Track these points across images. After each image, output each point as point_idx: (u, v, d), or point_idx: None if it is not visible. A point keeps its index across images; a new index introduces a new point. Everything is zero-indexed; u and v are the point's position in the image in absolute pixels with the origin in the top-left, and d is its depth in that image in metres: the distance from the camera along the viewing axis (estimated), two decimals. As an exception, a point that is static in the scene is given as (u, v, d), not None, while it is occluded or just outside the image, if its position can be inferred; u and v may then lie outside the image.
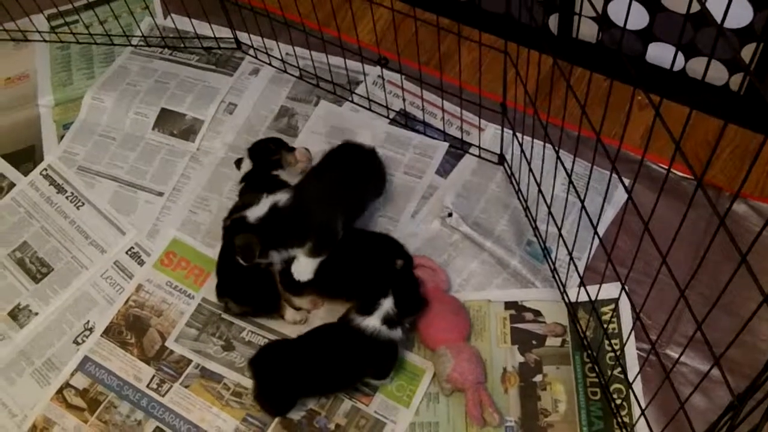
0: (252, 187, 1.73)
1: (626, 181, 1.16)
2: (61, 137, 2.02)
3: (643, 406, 1.31)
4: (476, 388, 1.46)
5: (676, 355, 1.46)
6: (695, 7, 1.54)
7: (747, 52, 1.67)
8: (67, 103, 2.09)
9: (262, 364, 1.53)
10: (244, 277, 1.61)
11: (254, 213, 1.52)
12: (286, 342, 1.58)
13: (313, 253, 1.54)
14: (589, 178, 1.24)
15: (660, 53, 1.80)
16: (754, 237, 0.77)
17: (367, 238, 1.66)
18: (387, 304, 1.46)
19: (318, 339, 1.53)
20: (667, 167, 1.62)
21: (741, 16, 1.61)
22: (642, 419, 1.30)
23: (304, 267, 1.56)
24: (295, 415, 1.52)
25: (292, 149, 1.78)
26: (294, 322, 1.62)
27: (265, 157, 1.75)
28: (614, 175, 1.08)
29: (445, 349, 1.49)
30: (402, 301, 1.47)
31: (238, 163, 1.79)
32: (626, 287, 1.21)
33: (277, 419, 1.52)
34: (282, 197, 1.53)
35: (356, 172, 1.66)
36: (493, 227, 1.70)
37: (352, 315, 1.48)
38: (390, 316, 1.46)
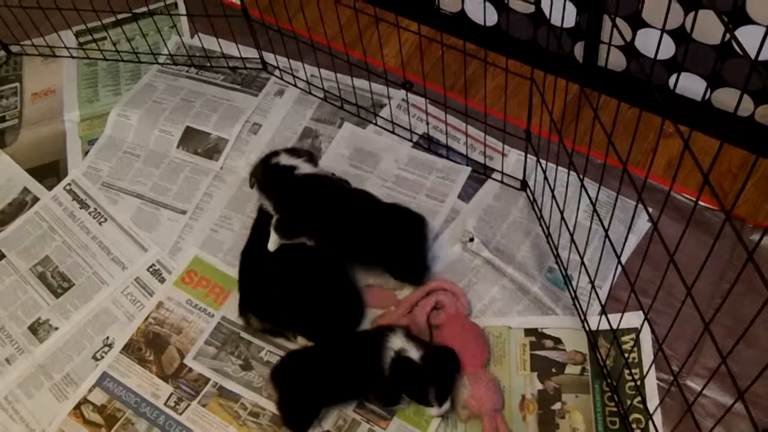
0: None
1: (650, 211, 1.15)
2: (86, 153, 2.03)
3: (664, 438, 1.30)
4: (493, 415, 1.46)
5: (696, 387, 1.45)
6: (724, 38, 1.54)
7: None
8: (92, 119, 2.11)
9: (284, 374, 1.54)
10: (266, 293, 1.63)
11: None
12: (308, 351, 1.58)
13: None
14: (614, 207, 1.23)
15: (686, 83, 1.80)
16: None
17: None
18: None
19: (338, 346, 1.55)
20: (691, 197, 1.63)
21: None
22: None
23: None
24: (312, 436, 1.52)
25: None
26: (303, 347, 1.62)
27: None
28: (645, 208, 1.08)
29: (463, 376, 1.48)
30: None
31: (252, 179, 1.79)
32: (648, 317, 1.21)
33: (293, 441, 1.52)
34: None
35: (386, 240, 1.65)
36: (514, 253, 1.69)
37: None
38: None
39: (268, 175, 1.68)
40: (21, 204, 1.95)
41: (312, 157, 1.71)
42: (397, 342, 1.45)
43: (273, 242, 1.65)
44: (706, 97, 1.79)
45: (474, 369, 1.49)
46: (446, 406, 1.45)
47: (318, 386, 1.51)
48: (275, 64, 2.08)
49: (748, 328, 0.85)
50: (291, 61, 2.02)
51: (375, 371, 1.45)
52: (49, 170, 2.02)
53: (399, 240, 1.62)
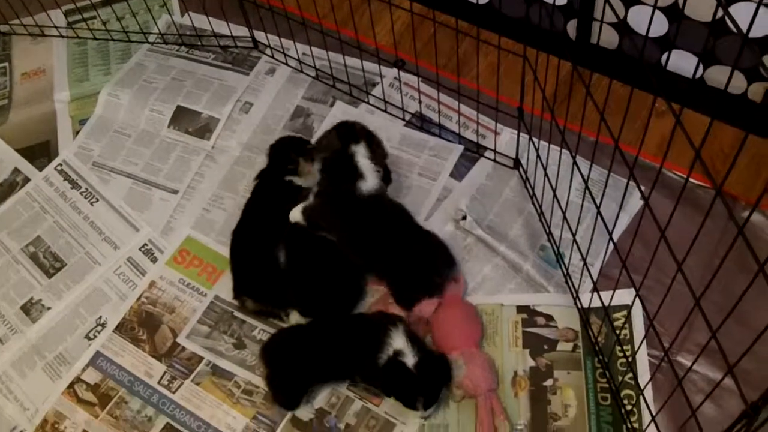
0: (264, 188, 1.74)
1: (643, 188, 1.16)
2: (77, 133, 2.03)
3: (654, 413, 1.31)
4: (488, 395, 1.46)
5: (687, 363, 1.46)
6: (716, 15, 1.54)
7: None
8: (83, 99, 2.10)
9: (274, 350, 1.54)
10: (260, 273, 1.63)
11: None
12: (300, 328, 1.58)
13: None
14: (606, 185, 1.24)
15: (678, 61, 1.80)
16: (762, 244, 0.76)
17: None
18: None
19: (330, 325, 1.55)
20: (682, 175, 1.63)
21: (764, 25, 1.61)
22: (652, 426, 1.30)
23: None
24: (305, 414, 1.52)
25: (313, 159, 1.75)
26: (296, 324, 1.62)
27: (282, 162, 1.75)
28: (637, 184, 1.08)
29: (458, 356, 1.48)
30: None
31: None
32: (640, 294, 1.21)
33: (287, 418, 1.52)
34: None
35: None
36: (506, 231, 1.70)
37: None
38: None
39: (335, 159, 1.63)
40: (12, 184, 1.94)
41: (385, 176, 1.68)
42: (398, 341, 1.44)
43: (295, 216, 1.64)
44: (699, 75, 1.79)
45: (468, 349, 1.50)
46: (431, 411, 1.46)
47: (308, 364, 1.51)
48: (266, 43, 2.07)
49: (737, 303, 0.86)
50: (282, 39, 2.01)
51: (369, 361, 1.46)
52: (40, 150, 2.01)
53: (416, 271, 1.59)
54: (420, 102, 1.87)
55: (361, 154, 1.61)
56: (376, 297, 1.64)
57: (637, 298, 1.21)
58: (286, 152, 1.75)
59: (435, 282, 1.57)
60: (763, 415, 0.85)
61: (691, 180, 1.66)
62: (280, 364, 1.53)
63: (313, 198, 1.62)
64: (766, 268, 0.75)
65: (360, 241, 1.60)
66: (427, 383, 1.44)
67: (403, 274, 1.58)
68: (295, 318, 1.61)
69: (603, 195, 1.26)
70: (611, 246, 1.27)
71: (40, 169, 1.96)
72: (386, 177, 1.67)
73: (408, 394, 1.44)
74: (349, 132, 1.65)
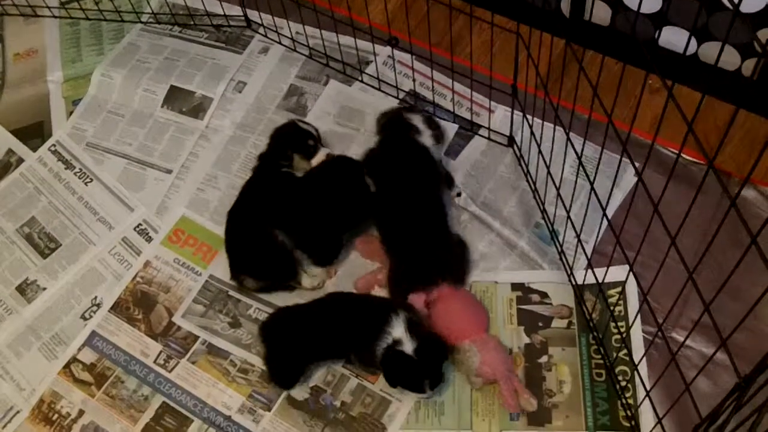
0: (263, 173, 1.73)
1: (636, 165, 1.16)
2: (70, 113, 2.02)
3: (648, 388, 1.31)
4: (508, 377, 1.45)
5: (682, 339, 1.46)
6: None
7: (762, 37, 1.66)
8: (76, 80, 2.09)
9: (272, 329, 1.54)
10: (259, 252, 1.62)
11: None
12: (299, 308, 1.58)
13: None
14: (599, 161, 1.24)
15: (672, 37, 1.80)
16: (763, 222, 0.77)
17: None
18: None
19: (330, 306, 1.55)
20: (676, 152, 1.63)
21: (757, 0, 1.60)
22: (646, 401, 1.30)
23: None
24: (301, 394, 1.53)
25: (312, 154, 1.74)
26: (312, 288, 1.63)
27: (279, 156, 1.73)
28: (623, 159, 1.08)
29: (470, 344, 1.46)
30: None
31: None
32: (634, 270, 1.21)
33: (283, 396, 1.53)
34: None
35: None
36: (501, 208, 1.70)
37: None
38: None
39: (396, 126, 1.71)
40: (6, 165, 1.94)
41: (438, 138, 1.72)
42: (397, 330, 1.43)
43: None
44: (693, 51, 1.79)
45: (479, 336, 1.49)
46: (437, 389, 1.46)
47: (306, 343, 1.52)
48: (259, 22, 2.06)
49: (729, 277, 0.86)
50: (275, 18, 2.00)
51: (367, 347, 1.46)
52: (34, 131, 2.00)
53: (428, 262, 1.58)
54: (414, 80, 1.87)
55: (417, 119, 1.69)
56: (362, 273, 1.65)
57: (631, 274, 1.21)
58: (284, 147, 1.73)
59: (435, 281, 1.54)
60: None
61: (686, 157, 1.66)
62: (278, 343, 1.53)
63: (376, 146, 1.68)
64: (758, 242, 0.75)
65: (397, 205, 1.62)
66: (429, 365, 1.44)
67: (415, 259, 1.58)
68: (308, 281, 1.62)
69: (596, 172, 1.26)
70: (605, 223, 1.28)
71: (34, 149, 1.95)
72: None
73: (414, 381, 1.45)
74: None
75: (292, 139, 1.73)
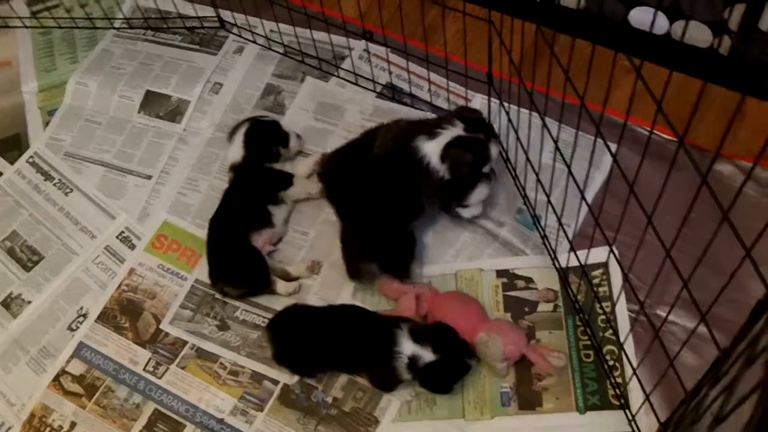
0: (242, 178, 1.74)
1: (614, 146, 1.16)
2: (47, 124, 2.01)
3: (635, 366, 1.32)
4: (531, 348, 1.47)
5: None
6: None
7: (737, 13, 1.66)
8: (51, 89, 2.08)
9: (280, 327, 1.55)
10: (234, 259, 1.63)
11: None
12: (308, 308, 1.58)
13: None
14: (575, 144, 1.24)
15: (644, 17, 1.80)
16: (738, 195, 0.77)
17: None
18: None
19: (341, 315, 1.54)
20: (654, 131, 1.63)
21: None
22: (634, 379, 1.31)
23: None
24: (292, 390, 1.53)
25: (287, 142, 1.77)
26: (288, 294, 1.63)
27: (261, 153, 1.74)
28: (600, 141, 1.08)
29: (486, 334, 1.45)
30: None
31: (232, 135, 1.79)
32: (615, 250, 1.22)
33: (275, 395, 1.53)
34: None
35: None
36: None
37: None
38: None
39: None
40: (-16, 179, 1.93)
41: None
42: (407, 346, 1.42)
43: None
44: (666, 30, 1.79)
45: (486, 324, 1.48)
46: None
47: (310, 345, 1.52)
48: (233, 22, 2.05)
49: (704, 252, 0.87)
50: (249, 17, 2.00)
51: (381, 364, 1.45)
52: (11, 144, 1.99)
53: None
54: (390, 72, 1.86)
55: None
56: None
57: (611, 254, 1.21)
58: (264, 143, 1.74)
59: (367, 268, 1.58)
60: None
61: (662, 135, 1.66)
62: (285, 343, 1.54)
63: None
64: (735, 217, 0.75)
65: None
66: (454, 362, 1.44)
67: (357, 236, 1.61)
68: (282, 288, 1.62)
69: (572, 155, 1.26)
70: (585, 205, 1.28)
71: (12, 162, 1.94)
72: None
73: (447, 383, 1.46)
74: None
75: (267, 136, 1.75)
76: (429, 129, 1.55)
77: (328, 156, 1.75)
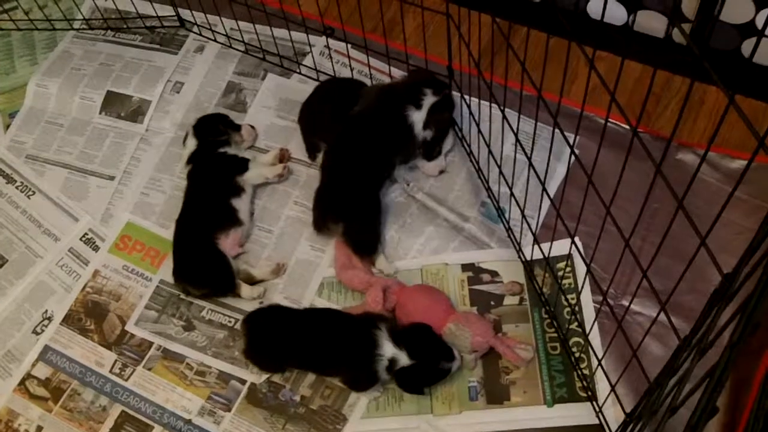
0: (199, 169, 1.73)
1: (571, 136, 1.16)
2: (8, 126, 1.99)
3: (600, 357, 1.32)
4: (500, 339, 1.48)
5: (633, 306, 1.48)
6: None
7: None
8: (11, 92, 2.05)
9: (257, 322, 1.54)
10: (199, 260, 1.62)
11: None
12: (287, 309, 1.57)
13: None
14: (534, 136, 1.24)
15: (601, 8, 1.81)
16: (692, 182, 0.78)
17: None
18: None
19: (319, 317, 1.54)
20: (616, 122, 1.64)
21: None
22: (599, 370, 1.32)
23: None
24: (260, 389, 1.53)
25: (238, 128, 1.80)
26: (251, 298, 1.62)
27: (212, 136, 1.75)
28: (558, 132, 1.09)
29: (454, 325, 1.46)
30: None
31: (185, 140, 1.79)
32: (578, 241, 1.22)
33: (242, 395, 1.52)
34: None
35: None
36: (447, 191, 1.70)
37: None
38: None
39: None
40: (-55, 185, 1.90)
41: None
42: (387, 349, 1.42)
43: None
44: (625, 20, 1.80)
45: (454, 316, 1.49)
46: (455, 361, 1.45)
47: (284, 344, 1.51)
48: (193, 20, 2.04)
49: (663, 239, 0.87)
50: (208, 15, 1.98)
51: (361, 366, 1.45)
52: (-28, 148, 1.96)
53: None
54: (351, 68, 1.86)
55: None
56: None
57: (573, 246, 1.22)
58: (214, 127, 1.76)
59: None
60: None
61: (623, 126, 1.67)
62: (259, 339, 1.53)
63: None
64: (693, 204, 0.76)
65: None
66: (432, 366, 1.44)
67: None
68: (247, 292, 1.61)
69: (532, 146, 1.27)
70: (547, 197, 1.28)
71: (-27, 166, 1.92)
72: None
73: (424, 385, 1.46)
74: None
75: (214, 119, 1.80)
76: (414, 99, 1.64)
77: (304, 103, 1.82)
